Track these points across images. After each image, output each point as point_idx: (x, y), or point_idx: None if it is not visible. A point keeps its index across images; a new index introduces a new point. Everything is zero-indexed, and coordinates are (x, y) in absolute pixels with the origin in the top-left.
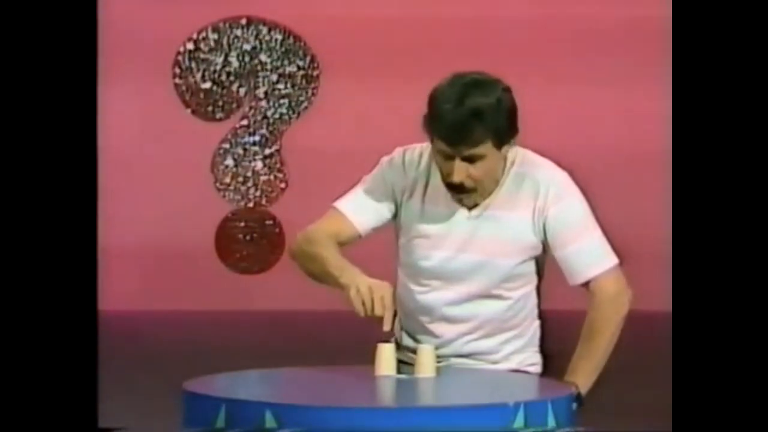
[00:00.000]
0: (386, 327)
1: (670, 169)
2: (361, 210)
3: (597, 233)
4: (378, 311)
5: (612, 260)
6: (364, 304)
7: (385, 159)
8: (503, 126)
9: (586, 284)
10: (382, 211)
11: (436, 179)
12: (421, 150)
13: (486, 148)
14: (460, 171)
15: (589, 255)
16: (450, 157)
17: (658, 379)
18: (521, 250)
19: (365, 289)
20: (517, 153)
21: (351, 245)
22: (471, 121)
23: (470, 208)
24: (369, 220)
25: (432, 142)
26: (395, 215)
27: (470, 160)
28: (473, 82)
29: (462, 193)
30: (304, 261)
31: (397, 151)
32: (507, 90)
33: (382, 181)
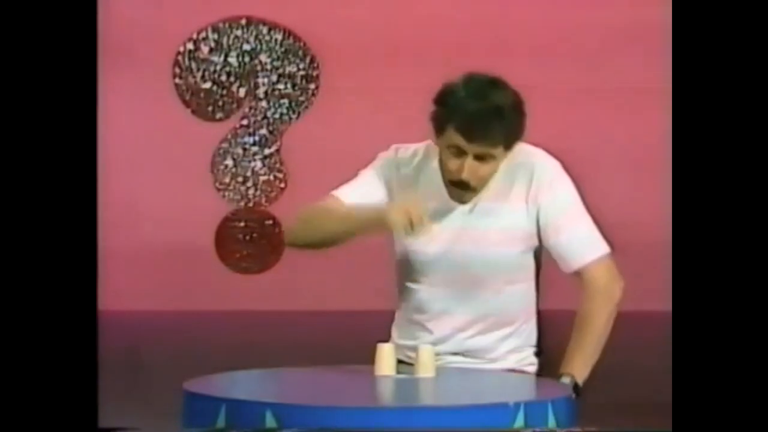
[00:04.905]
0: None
1: (670, 169)
2: (359, 198)
3: (588, 221)
4: (416, 221)
5: (603, 248)
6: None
7: (381, 154)
8: (517, 128)
9: (577, 273)
10: (379, 203)
11: (429, 176)
12: (415, 149)
13: (498, 150)
14: (471, 169)
15: (581, 243)
16: (461, 153)
17: (658, 379)
18: (516, 240)
19: (400, 209)
20: None
21: (346, 247)
22: (493, 118)
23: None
24: None
25: (440, 136)
26: None
27: (481, 158)
28: (492, 82)
29: (465, 191)
30: (312, 224)
31: (391, 148)
32: (518, 95)
33: (377, 176)
